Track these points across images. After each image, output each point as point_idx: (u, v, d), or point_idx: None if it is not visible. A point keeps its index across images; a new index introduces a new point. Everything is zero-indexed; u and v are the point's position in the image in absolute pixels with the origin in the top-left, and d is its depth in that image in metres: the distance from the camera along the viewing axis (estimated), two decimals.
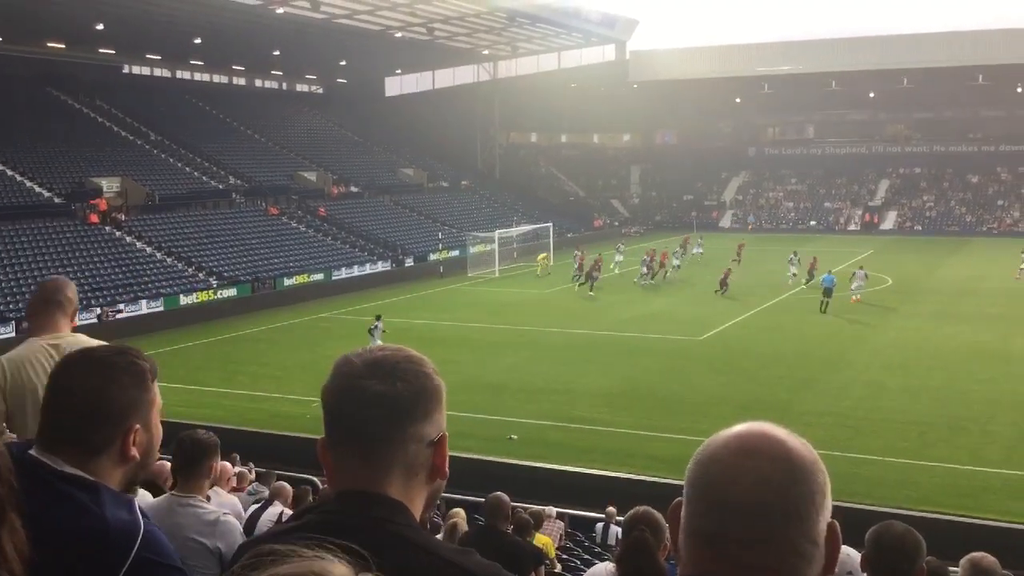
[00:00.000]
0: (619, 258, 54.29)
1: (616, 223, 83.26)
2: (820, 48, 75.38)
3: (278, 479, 14.57)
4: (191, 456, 4.41)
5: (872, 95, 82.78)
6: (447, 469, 1.89)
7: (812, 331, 35.27)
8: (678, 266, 52.21)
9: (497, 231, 57.75)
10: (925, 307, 39.98)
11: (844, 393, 26.30)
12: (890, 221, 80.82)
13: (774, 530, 1.44)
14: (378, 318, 32.00)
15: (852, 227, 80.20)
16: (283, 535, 1.87)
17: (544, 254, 55.78)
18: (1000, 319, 36.62)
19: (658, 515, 5.24)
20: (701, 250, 58.50)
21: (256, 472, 13.05)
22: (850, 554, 4.68)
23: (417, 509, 1.84)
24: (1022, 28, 69.48)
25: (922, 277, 47.55)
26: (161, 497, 4.58)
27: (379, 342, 37.71)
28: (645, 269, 48.30)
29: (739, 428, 1.54)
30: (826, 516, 1.49)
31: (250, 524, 7.11)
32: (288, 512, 7.95)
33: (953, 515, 16.88)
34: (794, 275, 47.41)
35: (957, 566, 5.94)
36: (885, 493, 18.26)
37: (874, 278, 48.31)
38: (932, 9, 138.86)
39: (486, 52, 79.39)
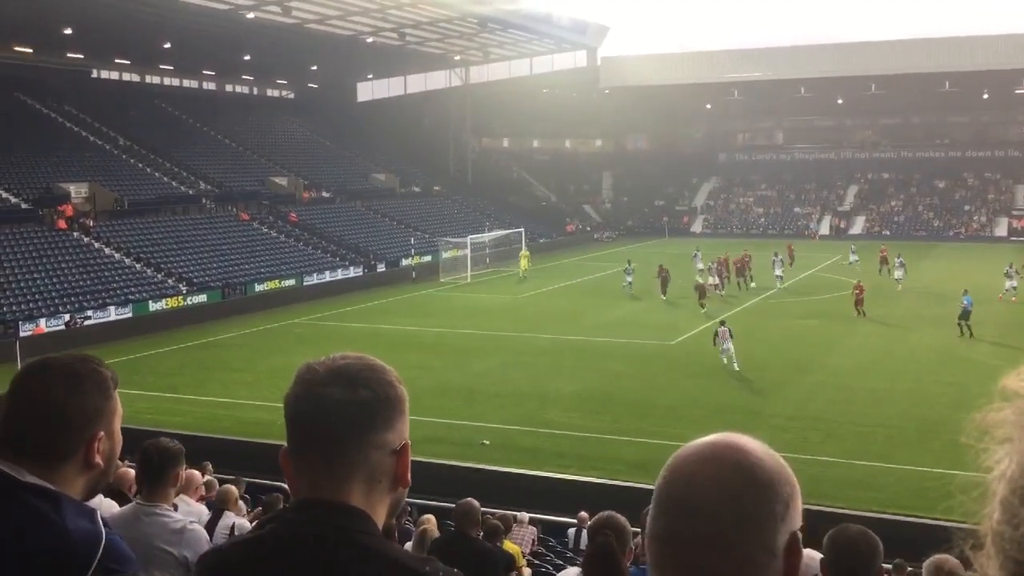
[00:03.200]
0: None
1: (588, 228, 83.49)
2: (789, 55, 76.03)
3: (248, 487, 14.48)
4: (156, 464, 4.37)
5: (840, 101, 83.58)
6: (409, 477, 1.90)
7: (782, 335, 35.53)
8: (780, 276, 48.34)
9: (469, 236, 57.74)
10: (893, 311, 40.36)
11: (813, 397, 26.51)
12: (859, 226, 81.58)
13: (726, 536, 1.45)
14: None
15: (823, 232, 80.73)
16: (243, 544, 1.87)
17: (525, 252, 55.79)
18: None
19: (623, 520, 5.27)
20: (856, 258, 54.30)
21: (221, 480, 12.96)
22: (812, 556, 4.72)
23: (379, 517, 1.84)
24: (988, 35, 70.44)
25: (890, 282, 47.99)
26: (127, 506, 4.55)
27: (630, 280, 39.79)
28: (717, 279, 46.39)
29: (709, 437, 1.55)
30: (789, 527, 1.48)
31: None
32: (240, 522, 7.88)
33: (920, 518, 17.04)
34: (780, 276, 48.17)
35: (922, 568, 6.01)
36: (853, 496, 18.42)
37: (842, 283, 48.74)
38: (899, 16, 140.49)
39: (458, 57, 79.40)
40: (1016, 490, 1.00)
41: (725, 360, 29.93)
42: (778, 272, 48.29)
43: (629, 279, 46.33)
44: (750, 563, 1.46)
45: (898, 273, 47.18)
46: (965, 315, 34.34)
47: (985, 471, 1.05)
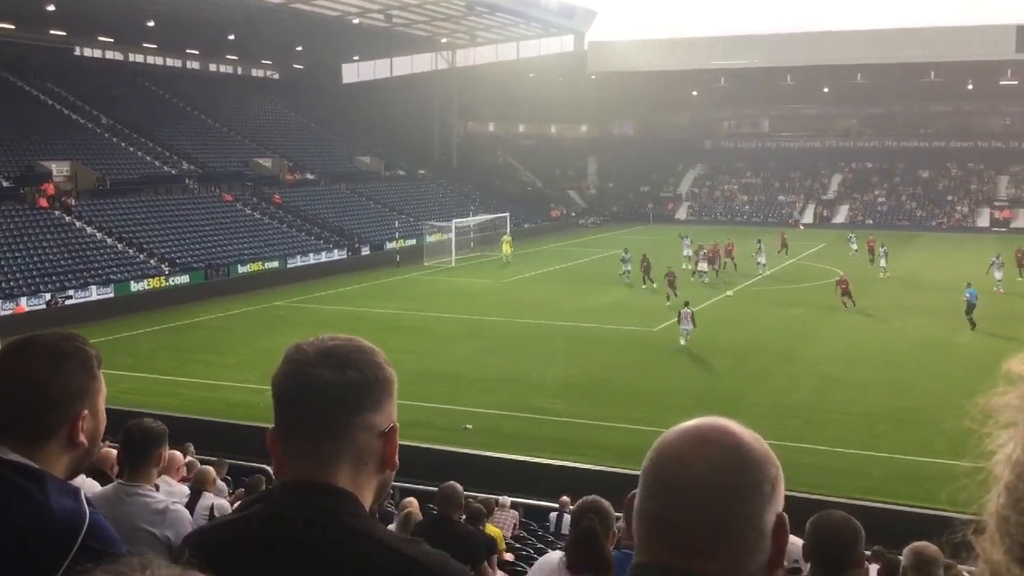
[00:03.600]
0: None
1: (573, 214, 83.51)
2: (775, 43, 76.09)
3: (230, 468, 14.47)
4: (139, 445, 4.35)
5: (826, 90, 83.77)
6: (397, 460, 1.89)
7: (765, 323, 35.68)
8: (763, 264, 48.77)
9: (454, 220, 57.67)
10: (875, 301, 40.58)
11: (795, 385, 26.66)
12: (842, 215, 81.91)
13: (720, 517, 1.47)
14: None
15: (806, 220, 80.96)
16: (229, 525, 1.86)
17: (507, 237, 55.65)
18: (948, 313, 37.23)
19: (606, 504, 5.29)
20: (856, 247, 53.77)
21: (203, 461, 12.93)
22: (795, 543, 4.76)
23: (366, 499, 1.84)
24: (973, 26, 70.65)
25: (873, 271, 48.26)
26: (109, 486, 4.53)
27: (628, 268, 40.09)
28: (706, 265, 46.40)
29: (696, 421, 1.58)
30: (775, 508, 1.52)
31: None
32: (219, 502, 7.86)
33: (900, 505, 17.20)
34: (762, 264, 48.55)
35: (902, 554, 6.07)
36: (835, 483, 18.55)
37: (826, 271, 48.99)
38: (886, 6, 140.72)
39: (444, 40, 79.07)
40: (1022, 474, 1.00)
41: (683, 341, 30.74)
42: (761, 260, 48.54)
43: (627, 267, 45.55)
44: (740, 543, 1.48)
45: (882, 262, 47.59)
46: (970, 308, 33.91)
47: (988, 456, 1.05)
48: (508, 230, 59.74)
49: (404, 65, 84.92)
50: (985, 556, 1.01)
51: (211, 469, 9.15)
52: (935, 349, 31.04)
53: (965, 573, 8.62)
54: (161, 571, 1.18)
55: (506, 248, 53.84)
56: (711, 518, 1.47)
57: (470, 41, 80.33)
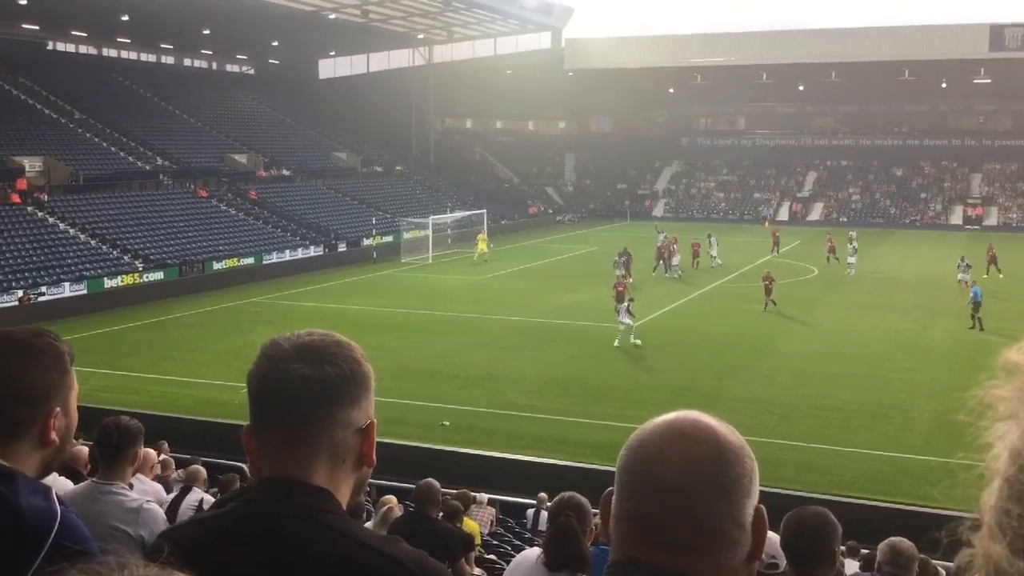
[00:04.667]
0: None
1: (550, 210, 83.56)
2: (752, 40, 76.41)
3: (204, 466, 14.38)
4: (115, 443, 4.31)
5: (801, 88, 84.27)
6: (374, 457, 1.87)
7: (739, 320, 35.85)
8: (714, 256, 49.85)
9: (431, 217, 57.57)
10: (849, 297, 40.90)
11: (770, 380, 26.81)
12: (817, 212, 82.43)
13: (700, 511, 1.46)
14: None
15: (781, 217, 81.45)
16: (205, 522, 1.84)
17: (482, 235, 55.47)
18: (921, 309, 37.64)
19: (584, 500, 5.29)
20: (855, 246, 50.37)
21: (177, 459, 12.88)
22: (772, 538, 4.77)
23: (343, 496, 1.82)
24: (947, 24, 71.25)
25: (839, 267, 48.60)
26: (83, 484, 4.48)
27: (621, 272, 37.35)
28: (676, 260, 46.94)
29: (670, 416, 1.57)
30: (753, 501, 1.52)
31: (171, 512, 7.00)
32: (208, 498, 7.86)
33: (874, 500, 17.35)
34: (714, 256, 49.62)
35: (877, 549, 6.10)
36: (810, 478, 18.69)
37: (800, 268, 49.30)
38: (861, 4, 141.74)
39: (421, 36, 78.86)
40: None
41: (616, 343, 30.74)
42: (713, 252, 49.77)
43: (619, 272, 43.61)
44: (722, 536, 1.47)
45: (851, 259, 47.83)
46: (976, 307, 33.62)
47: (985, 449, 1.04)
48: (485, 227, 59.61)
49: (381, 61, 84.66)
50: (985, 551, 1.00)
51: (202, 468, 9.20)
52: (908, 345, 31.30)
53: (940, 569, 8.68)
54: (139, 570, 1.16)
55: (482, 246, 53.70)
56: (691, 513, 1.46)
57: (447, 37, 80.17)
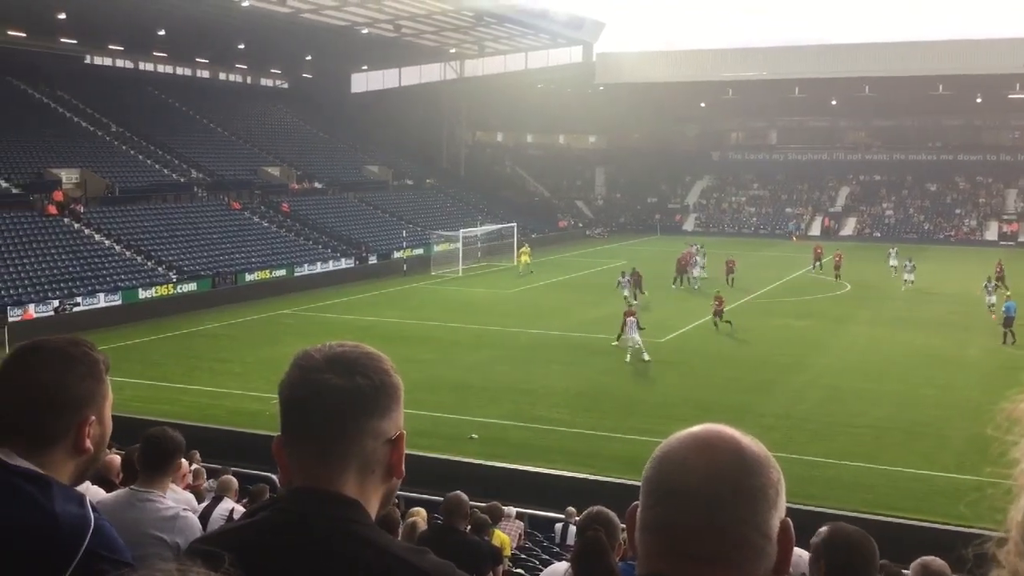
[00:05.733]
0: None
1: (580, 224, 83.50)
2: (784, 55, 76.05)
3: (229, 475, 14.47)
4: (159, 452, 4.38)
5: (834, 102, 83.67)
6: (403, 468, 1.89)
7: (771, 335, 35.59)
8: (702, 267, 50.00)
9: (461, 230, 57.70)
10: (882, 313, 40.49)
11: (801, 396, 26.58)
12: (849, 227, 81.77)
13: (725, 521, 1.46)
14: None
15: (813, 232, 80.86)
16: (236, 532, 1.86)
17: (525, 248, 55.57)
18: (955, 326, 37.18)
19: (612, 515, 5.27)
20: (896, 263, 51.81)
21: (209, 469, 12.97)
22: (801, 555, 4.72)
23: (372, 507, 1.84)
24: (982, 39, 70.56)
25: (880, 283, 48.14)
26: (120, 491, 4.54)
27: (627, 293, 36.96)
28: (696, 271, 47.82)
29: (695, 428, 1.58)
30: (779, 513, 1.51)
31: (201, 521, 7.05)
32: (238, 508, 7.91)
33: (906, 518, 17.12)
34: (701, 268, 49.57)
35: (909, 569, 6.03)
36: (841, 496, 18.48)
37: (833, 284, 48.88)
38: (895, 19, 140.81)
39: (453, 51, 79.22)
40: None
41: (628, 357, 30.53)
42: (700, 263, 49.59)
43: (625, 293, 42.26)
44: (747, 547, 1.46)
45: (908, 276, 47.22)
46: (1008, 322, 33.49)
47: (1012, 464, 1.02)
48: (517, 241, 59.67)
49: (413, 75, 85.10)
50: (1012, 568, 0.98)
51: (234, 479, 9.27)
52: (943, 362, 30.92)
53: None
54: None
55: (524, 259, 53.71)
56: (718, 524, 1.46)
57: (479, 51, 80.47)
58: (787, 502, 1.58)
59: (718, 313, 35.78)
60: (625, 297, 40.77)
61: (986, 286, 40.66)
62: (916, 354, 32.17)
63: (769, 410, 24.83)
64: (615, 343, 32.54)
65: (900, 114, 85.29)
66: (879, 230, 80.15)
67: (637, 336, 30.82)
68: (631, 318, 31.31)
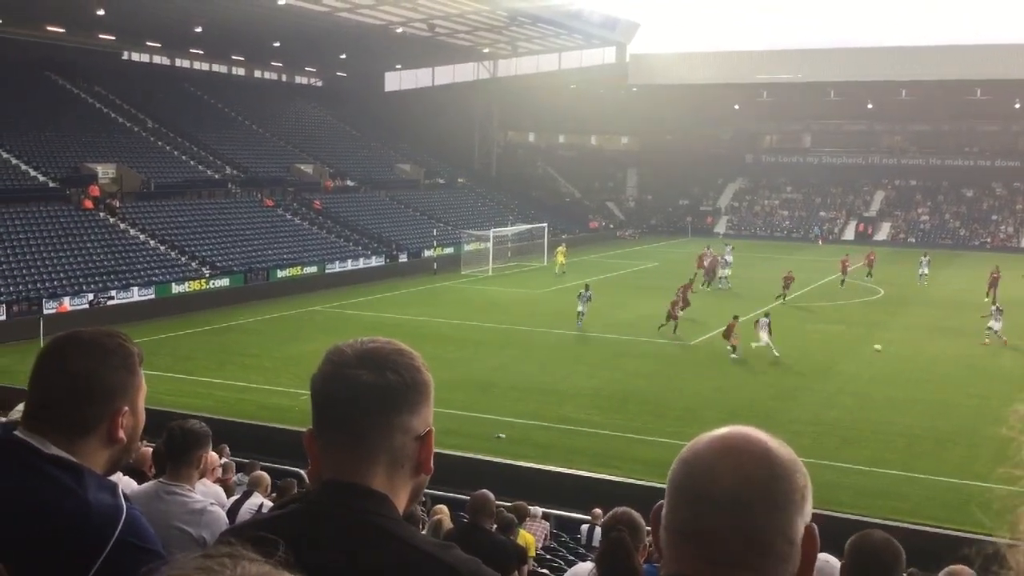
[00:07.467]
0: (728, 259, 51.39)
1: (611, 226, 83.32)
2: (819, 57, 75.45)
3: (260, 470, 14.58)
4: (183, 445, 4.41)
5: (870, 106, 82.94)
6: (432, 464, 1.90)
7: (801, 341, 35.31)
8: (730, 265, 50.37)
9: (492, 230, 57.76)
10: (916, 319, 40.07)
11: (832, 403, 26.37)
12: (884, 232, 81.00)
13: (751, 527, 1.46)
14: (587, 287, 36.82)
15: (846, 236, 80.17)
16: (265, 524, 1.88)
17: (562, 247, 55.55)
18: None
19: (638, 516, 5.26)
20: (926, 271, 51.44)
21: (238, 463, 13.07)
22: (830, 562, 4.70)
23: (401, 502, 1.85)
24: (1020, 43, 69.58)
25: (914, 289, 47.63)
26: (148, 483, 4.59)
27: (582, 309, 36.54)
28: (722, 272, 48.75)
29: (722, 430, 1.57)
30: (805, 518, 1.51)
31: (230, 515, 7.12)
32: (267, 503, 7.96)
33: (936, 527, 16.93)
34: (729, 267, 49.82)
35: None
36: (871, 503, 18.32)
37: (866, 288, 48.44)
38: (932, 23, 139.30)
39: (486, 50, 79.34)
40: None
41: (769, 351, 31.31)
42: (729, 262, 49.92)
43: (581, 308, 37.36)
44: (772, 552, 1.46)
45: (923, 270, 49.10)
46: None
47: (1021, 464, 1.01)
48: (548, 241, 59.63)
49: (446, 74, 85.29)
50: (1019, 570, 0.98)
51: (265, 475, 9.35)
52: (976, 370, 30.55)
53: None
54: (252, 568, 1.16)
55: (561, 258, 53.71)
56: (742, 528, 1.46)
57: (512, 51, 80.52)
58: (815, 508, 1.57)
59: (726, 336, 32.07)
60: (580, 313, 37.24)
61: (992, 312, 35.88)
62: (950, 362, 31.81)
63: (799, 416, 24.67)
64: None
65: (937, 119, 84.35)
66: (914, 235, 79.33)
67: (766, 336, 31.73)
68: (765, 319, 32.55)
